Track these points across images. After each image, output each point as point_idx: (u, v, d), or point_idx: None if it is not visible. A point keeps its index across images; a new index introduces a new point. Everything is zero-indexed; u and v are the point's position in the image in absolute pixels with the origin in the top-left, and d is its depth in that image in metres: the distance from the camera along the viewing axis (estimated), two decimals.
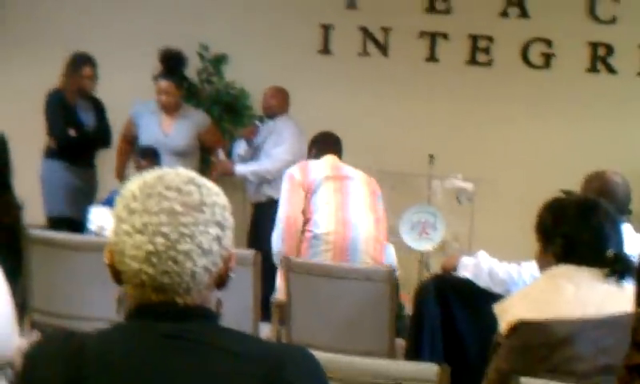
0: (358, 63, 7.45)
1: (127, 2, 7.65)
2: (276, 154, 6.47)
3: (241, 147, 6.66)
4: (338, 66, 7.45)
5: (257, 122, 6.68)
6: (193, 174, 1.73)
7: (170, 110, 6.51)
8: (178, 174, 1.71)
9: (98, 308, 4.08)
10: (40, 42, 7.60)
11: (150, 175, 1.71)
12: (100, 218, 6.10)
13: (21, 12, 7.75)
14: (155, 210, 1.65)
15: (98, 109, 6.64)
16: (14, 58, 7.73)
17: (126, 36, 7.57)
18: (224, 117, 7.30)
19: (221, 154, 6.61)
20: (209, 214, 1.67)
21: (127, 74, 7.30)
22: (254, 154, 6.62)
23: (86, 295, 4.22)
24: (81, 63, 6.51)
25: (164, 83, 6.47)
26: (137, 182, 1.71)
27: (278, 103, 6.66)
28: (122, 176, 6.64)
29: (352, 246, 4.65)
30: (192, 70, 7.40)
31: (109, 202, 6.15)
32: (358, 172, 5.11)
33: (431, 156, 6.75)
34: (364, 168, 7.04)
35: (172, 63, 6.58)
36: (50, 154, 6.50)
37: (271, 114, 6.65)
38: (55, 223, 6.33)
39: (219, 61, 7.45)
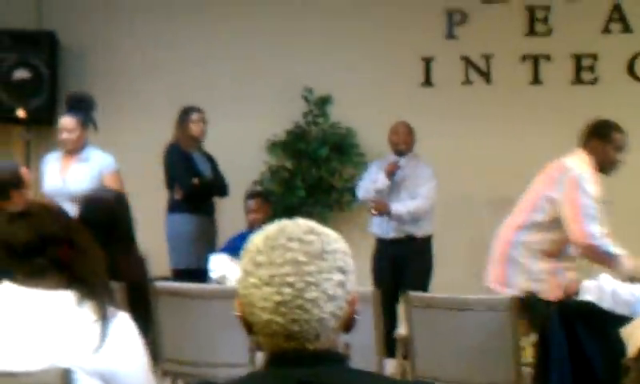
0: (461, 92, 7.47)
1: (230, 52, 7.82)
2: (426, 193, 6.52)
3: (379, 182, 6.56)
4: (442, 97, 7.47)
5: (398, 159, 6.58)
6: (312, 224, 1.80)
7: (71, 150, 6.12)
8: (298, 224, 1.78)
9: (227, 354, 4.20)
10: (155, 101, 7.83)
11: (272, 228, 1.79)
12: (221, 266, 6.26)
13: (138, 71, 8.04)
14: (280, 261, 1.72)
15: (211, 160, 6.85)
16: (125, 117, 8.01)
17: (230, 84, 7.75)
18: (332, 157, 7.40)
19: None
20: (331, 261, 1.74)
21: (234, 123, 7.49)
22: (391, 189, 6.57)
23: (213, 342, 4.33)
24: (188, 112, 6.76)
25: (65, 119, 6.18)
26: (260, 235, 1.79)
27: (412, 140, 6.68)
28: None
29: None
30: (298, 113, 7.55)
31: (227, 250, 6.32)
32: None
33: None
34: (474, 194, 7.15)
35: (76, 103, 6.38)
36: (174, 207, 6.72)
37: (404, 150, 6.62)
38: (182, 275, 6.49)
39: (324, 102, 7.56)
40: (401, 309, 4.55)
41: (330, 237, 1.78)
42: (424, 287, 6.33)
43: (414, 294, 4.33)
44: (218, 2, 7.88)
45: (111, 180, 5.96)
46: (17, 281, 2.65)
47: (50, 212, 2.76)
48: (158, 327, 4.41)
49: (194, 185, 6.64)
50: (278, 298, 1.70)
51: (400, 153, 6.61)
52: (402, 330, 4.49)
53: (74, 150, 6.11)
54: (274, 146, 7.54)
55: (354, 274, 1.78)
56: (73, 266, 2.68)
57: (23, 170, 4.74)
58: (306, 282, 1.70)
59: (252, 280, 1.73)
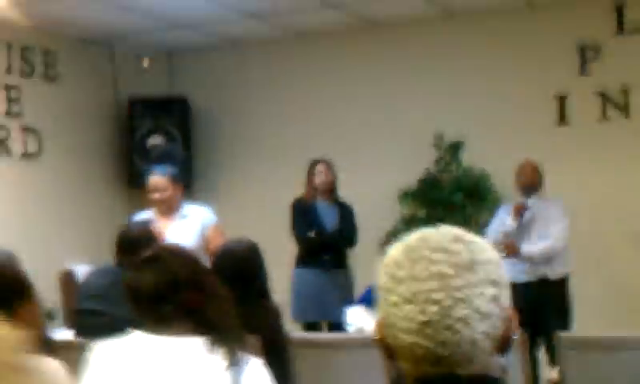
0: (598, 129, 7.13)
1: (359, 102, 7.78)
2: (558, 233, 6.22)
3: (507, 224, 6.30)
4: (578, 134, 7.17)
5: (525, 200, 6.32)
6: (458, 231, 1.59)
7: (166, 209, 5.58)
8: (442, 232, 1.58)
9: None
10: (287, 156, 7.84)
11: (413, 237, 1.58)
12: (357, 318, 6.12)
13: (269, 129, 8.08)
14: (423, 275, 1.51)
15: (344, 211, 6.71)
16: (259, 173, 8.03)
17: (362, 135, 7.69)
18: (467, 203, 7.18)
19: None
20: (482, 273, 1.52)
21: (367, 172, 7.39)
22: (520, 231, 6.30)
23: None
24: (313, 165, 6.72)
25: (155, 178, 5.65)
26: (399, 247, 1.59)
27: (539, 180, 6.41)
28: None
29: None
30: (430, 160, 7.37)
31: (364, 301, 6.17)
32: None
33: None
34: (616, 233, 6.79)
35: (164, 158, 5.79)
36: (299, 262, 6.66)
37: (532, 190, 6.34)
38: (305, 329, 6.49)
39: (455, 148, 7.36)
40: (546, 352, 4.28)
41: (479, 245, 1.56)
42: (565, 330, 6.06)
43: (565, 335, 4.05)
44: (342, 54, 7.86)
45: (214, 233, 5.57)
46: (147, 328, 2.57)
47: (178, 256, 2.69)
48: (296, 380, 4.27)
49: (310, 238, 6.56)
50: (422, 317, 1.49)
51: (528, 193, 6.34)
52: (551, 373, 4.22)
53: (170, 209, 5.59)
54: (406, 196, 7.38)
55: (508, 288, 1.57)
56: (202, 310, 2.60)
57: (155, 226, 4.72)
58: (455, 299, 1.49)
59: (392, 298, 1.53)
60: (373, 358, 4.03)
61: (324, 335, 4.69)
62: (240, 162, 8.16)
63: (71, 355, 2.61)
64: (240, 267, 4.24)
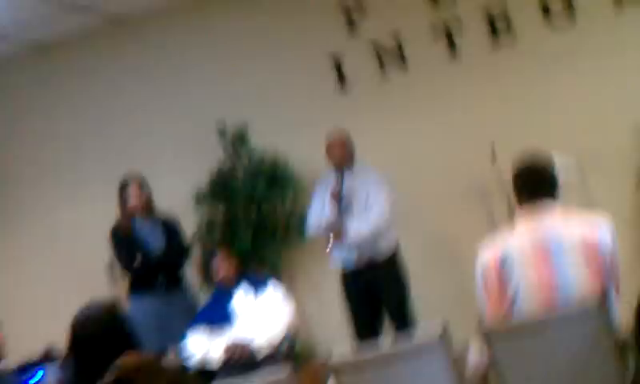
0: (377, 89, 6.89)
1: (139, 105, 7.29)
2: (381, 205, 5.90)
3: (327, 214, 5.93)
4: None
5: (339, 182, 5.92)
6: None
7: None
8: None
9: None
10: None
11: None
12: (199, 347, 5.61)
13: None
14: None
15: (168, 228, 6.27)
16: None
17: (143, 141, 7.25)
18: (269, 194, 6.76)
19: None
20: None
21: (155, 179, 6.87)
22: (344, 214, 5.90)
23: None
24: (123, 188, 6.22)
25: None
26: None
27: (350, 153, 6.04)
28: None
29: None
30: (218, 152, 6.90)
31: (202, 321, 5.70)
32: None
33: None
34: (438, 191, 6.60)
35: None
36: (132, 288, 6.21)
37: (344, 167, 5.98)
38: None
39: (241, 135, 6.89)
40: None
41: None
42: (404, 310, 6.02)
43: (493, 325, 3.75)
44: (95, 57, 7.28)
45: None
46: None
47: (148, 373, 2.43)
48: None
49: (134, 266, 6.13)
50: None
51: (340, 170, 5.98)
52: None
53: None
54: (201, 197, 6.89)
55: None
56: None
57: None
58: None
59: None
60: None
61: None
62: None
63: None
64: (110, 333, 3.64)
